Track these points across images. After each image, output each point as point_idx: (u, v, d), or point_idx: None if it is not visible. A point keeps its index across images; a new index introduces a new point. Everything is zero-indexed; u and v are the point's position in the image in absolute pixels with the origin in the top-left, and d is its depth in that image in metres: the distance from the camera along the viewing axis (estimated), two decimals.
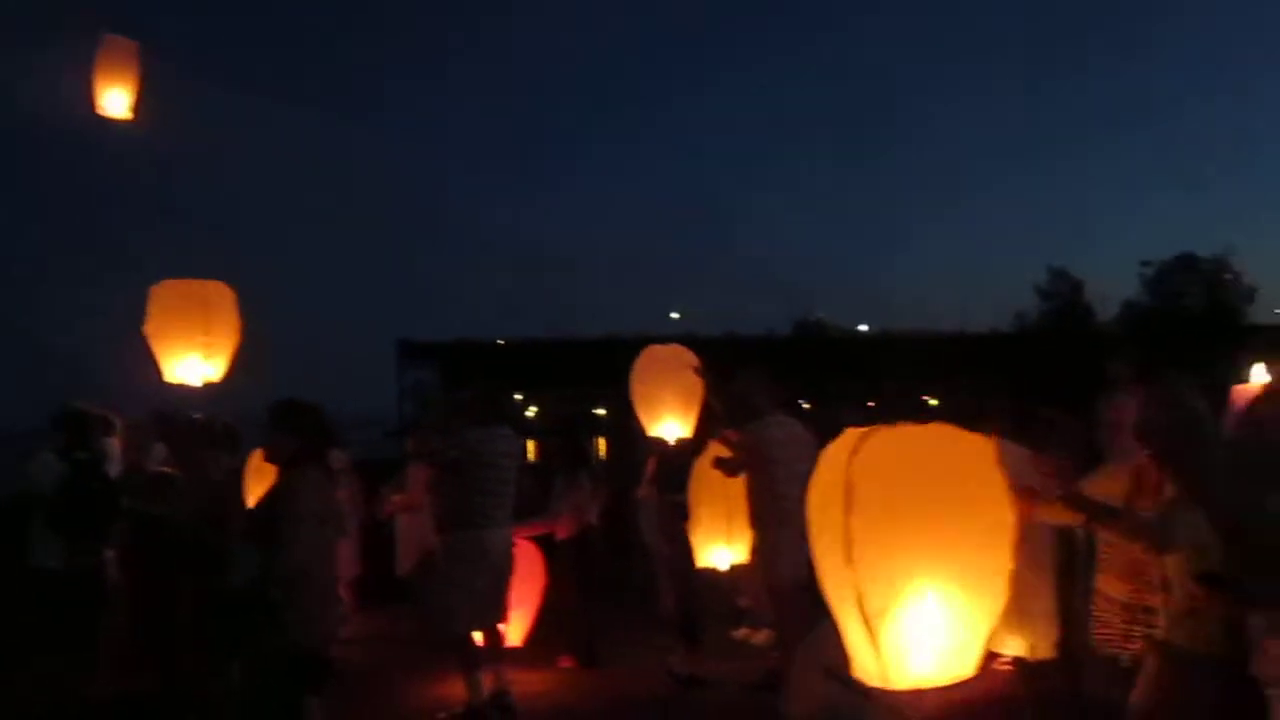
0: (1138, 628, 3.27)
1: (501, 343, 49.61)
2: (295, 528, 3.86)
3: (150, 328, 5.65)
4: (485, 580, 5.34)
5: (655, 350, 6.94)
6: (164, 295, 5.69)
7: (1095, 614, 3.60)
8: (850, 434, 2.77)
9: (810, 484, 2.89)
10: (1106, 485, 3.47)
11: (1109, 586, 3.48)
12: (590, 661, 6.42)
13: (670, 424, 6.69)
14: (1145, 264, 55.13)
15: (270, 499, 4.06)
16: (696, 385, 6.52)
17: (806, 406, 14.68)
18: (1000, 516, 2.71)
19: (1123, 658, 3.33)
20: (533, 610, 6.48)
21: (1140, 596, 3.28)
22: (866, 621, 2.56)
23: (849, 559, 2.53)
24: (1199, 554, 3.01)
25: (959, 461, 2.70)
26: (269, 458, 4.20)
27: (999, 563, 2.69)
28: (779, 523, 5.21)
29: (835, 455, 2.72)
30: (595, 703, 5.83)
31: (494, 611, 5.48)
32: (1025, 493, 2.80)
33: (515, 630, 6.32)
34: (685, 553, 6.17)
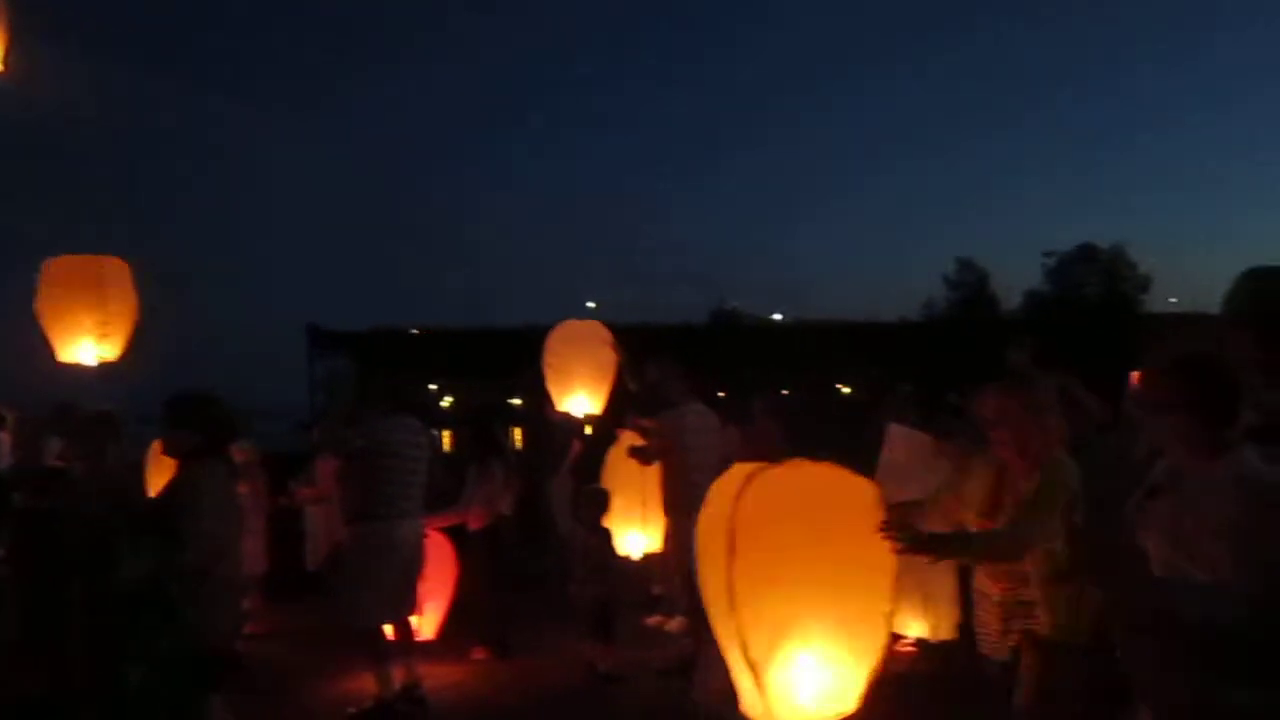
0: (1015, 623, 3.28)
1: (416, 331, 48.79)
2: (196, 523, 3.76)
3: (41, 305, 5.42)
4: (395, 572, 5.25)
5: (571, 325, 6.89)
6: (57, 271, 5.45)
7: (976, 613, 3.60)
8: (736, 473, 2.78)
9: (700, 519, 2.91)
10: (976, 484, 3.45)
11: (985, 585, 3.47)
12: (504, 653, 6.38)
13: (581, 398, 6.66)
14: (1047, 254, 56.83)
15: (170, 493, 3.94)
16: (610, 361, 6.51)
17: (722, 395, 14.80)
18: (881, 559, 2.77)
19: (998, 658, 3.35)
20: (445, 602, 6.41)
21: (1015, 592, 3.28)
22: (750, 665, 2.59)
23: (732, 607, 2.56)
24: (1056, 554, 3.09)
25: (842, 504, 2.76)
26: (167, 451, 4.08)
27: (879, 604, 2.76)
28: (692, 509, 5.23)
29: (721, 496, 2.73)
30: (509, 695, 5.78)
31: (404, 604, 5.41)
32: (893, 532, 2.83)
33: (427, 623, 6.25)
34: (605, 543, 6.17)
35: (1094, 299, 54.38)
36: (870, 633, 2.72)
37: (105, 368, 5.47)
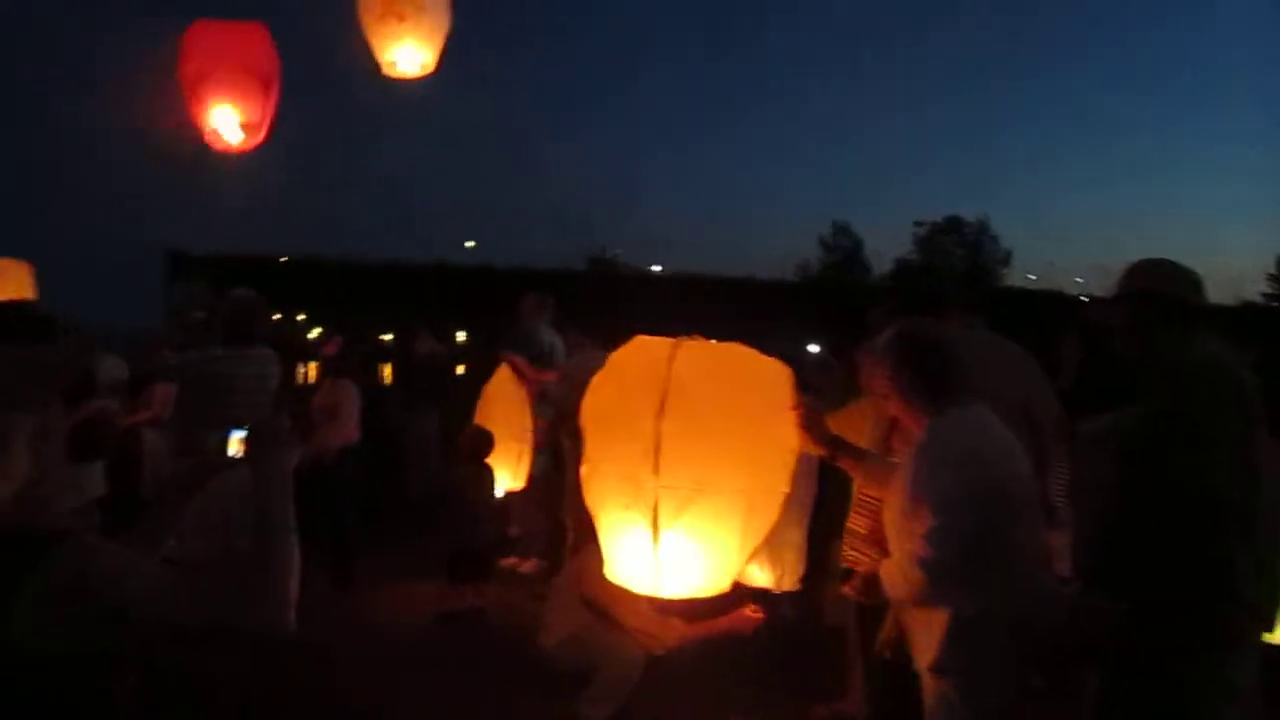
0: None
1: (284, 260, 46.92)
2: None
3: None
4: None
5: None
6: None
7: (846, 553, 3.64)
8: (652, 343, 2.75)
9: (594, 393, 2.85)
10: (845, 420, 3.51)
11: (858, 524, 3.54)
12: (343, 586, 6.26)
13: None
14: (918, 224, 58.72)
15: None
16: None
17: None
18: (788, 439, 2.80)
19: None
20: None
21: (881, 531, 3.22)
22: (655, 528, 2.56)
23: (655, 466, 2.54)
24: None
25: (758, 381, 2.78)
26: None
27: (781, 484, 2.76)
28: None
29: (642, 364, 2.69)
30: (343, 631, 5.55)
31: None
32: (808, 419, 2.82)
33: None
34: (488, 483, 6.11)
35: (958, 269, 56.54)
36: (766, 511, 2.73)
37: None
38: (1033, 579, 2.57)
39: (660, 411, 2.54)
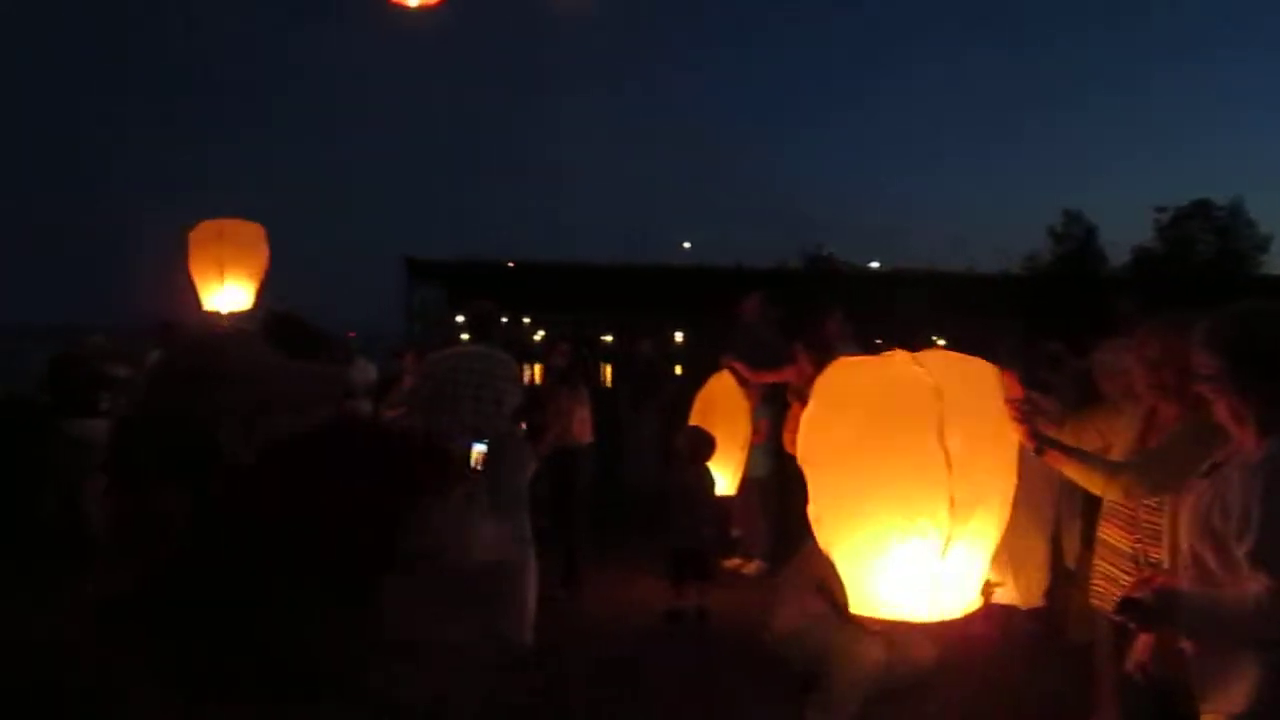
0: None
1: (511, 265, 48.95)
2: None
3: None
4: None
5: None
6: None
7: (1098, 566, 3.39)
8: (871, 363, 2.74)
9: (817, 429, 2.79)
10: (1106, 424, 3.34)
11: (1112, 536, 3.28)
12: (572, 588, 6.38)
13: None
14: (1160, 210, 54.43)
15: None
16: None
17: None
18: (1015, 438, 2.81)
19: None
20: None
21: (1145, 548, 3.07)
22: (945, 545, 2.53)
23: (948, 480, 2.51)
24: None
25: (984, 380, 2.76)
26: None
27: (1013, 484, 2.73)
28: None
29: (883, 384, 2.66)
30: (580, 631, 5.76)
31: None
32: (1022, 416, 2.74)
33: None
34: (710, 485, 6.17)
35: (1207, 256, 52.11)
36: (1005, 513, 2.69)
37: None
38: None
39: (941, 425, 2.48)
